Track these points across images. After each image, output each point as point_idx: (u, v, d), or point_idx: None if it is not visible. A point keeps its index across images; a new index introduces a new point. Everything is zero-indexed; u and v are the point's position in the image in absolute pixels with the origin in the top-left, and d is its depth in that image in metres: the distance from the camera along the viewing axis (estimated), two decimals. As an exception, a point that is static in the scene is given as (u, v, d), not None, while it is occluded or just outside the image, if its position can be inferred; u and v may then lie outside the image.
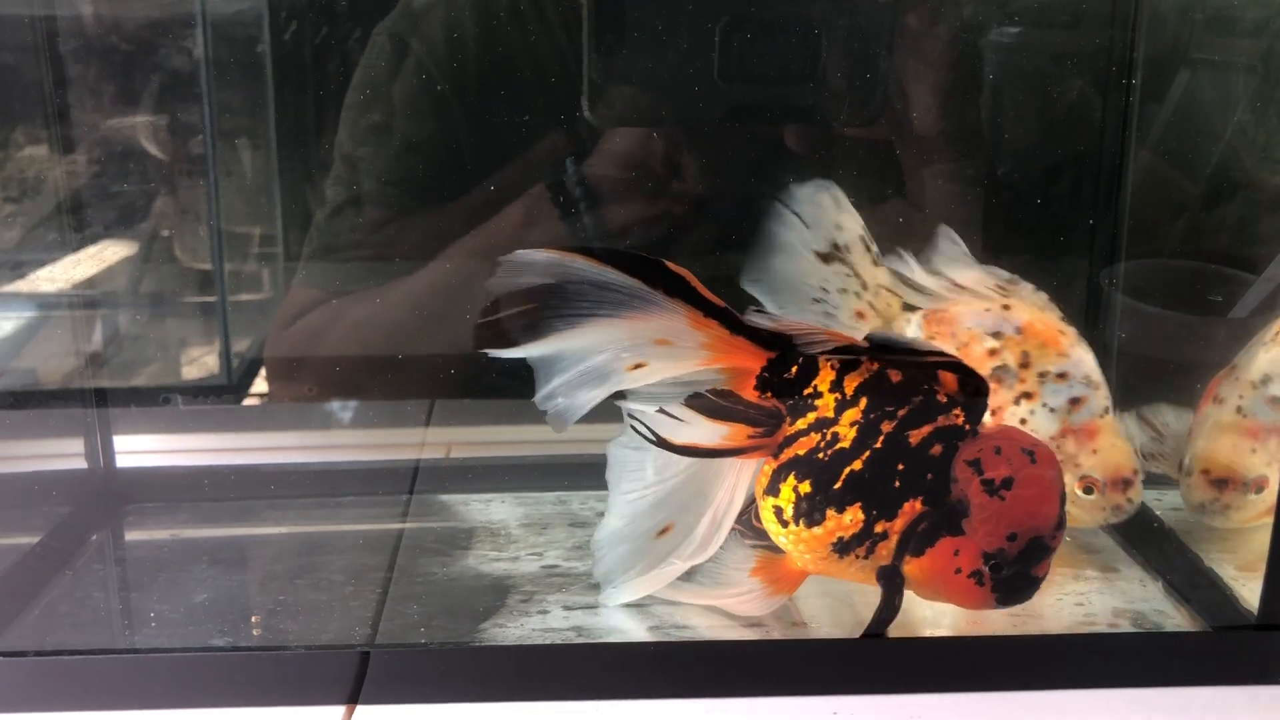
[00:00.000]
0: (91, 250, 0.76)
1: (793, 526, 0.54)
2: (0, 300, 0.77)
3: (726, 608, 0.58)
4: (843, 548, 0.53)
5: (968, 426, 0.52)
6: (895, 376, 0.52)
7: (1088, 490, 0.62)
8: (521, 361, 0.77)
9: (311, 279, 0.79)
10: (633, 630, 0.59)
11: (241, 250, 0.79)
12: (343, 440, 0.80)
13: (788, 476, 0.54)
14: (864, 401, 0.52)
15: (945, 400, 0.52)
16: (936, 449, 0.52)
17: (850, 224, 0.63)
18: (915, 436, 0.52)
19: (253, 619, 0.60)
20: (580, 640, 0.58)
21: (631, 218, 0.75)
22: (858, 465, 0.52)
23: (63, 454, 0.74)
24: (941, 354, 0.52)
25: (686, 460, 0.55)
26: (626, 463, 0.57)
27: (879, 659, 0.55)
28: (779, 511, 0.54)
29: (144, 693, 0.53)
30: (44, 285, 0.76)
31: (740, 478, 0.56)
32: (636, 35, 0.67)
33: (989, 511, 0.51)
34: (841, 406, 0.53)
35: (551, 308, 0.51)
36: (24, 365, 0.78)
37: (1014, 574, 0.52)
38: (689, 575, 0.58)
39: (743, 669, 0.55)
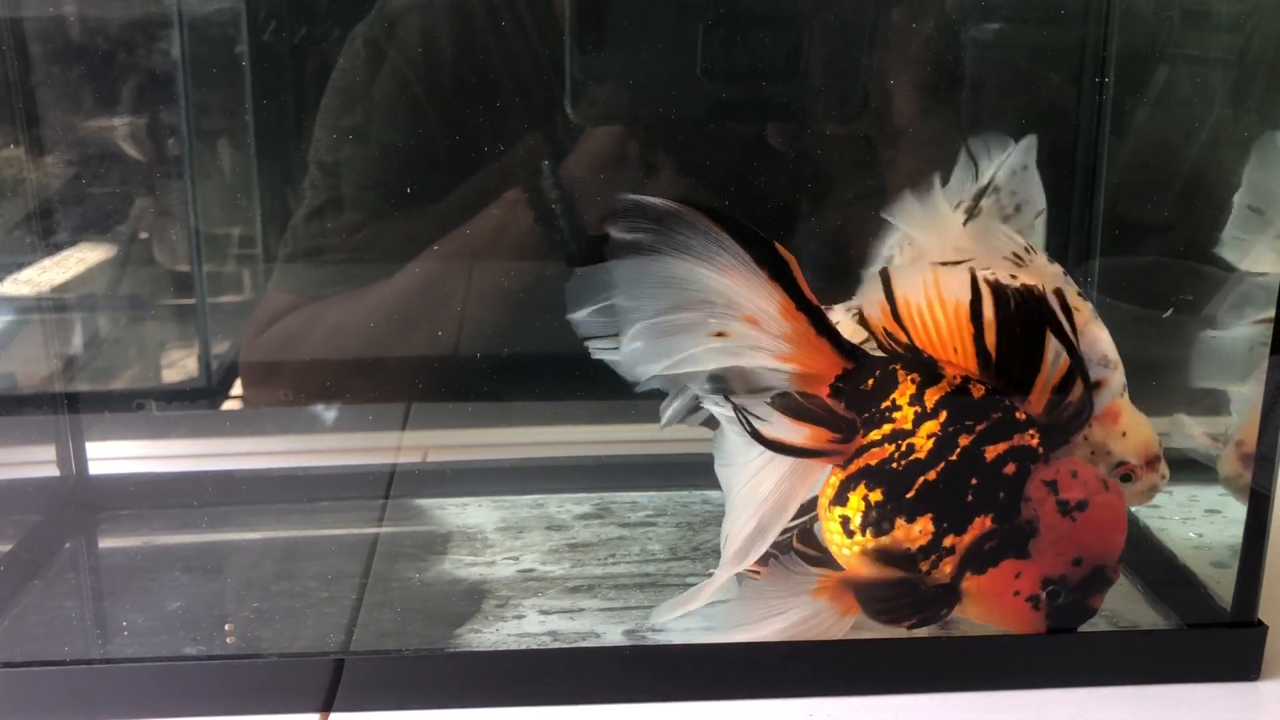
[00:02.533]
0: (68, 253, 0.75)
1: (859, 536, 0.53)
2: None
3: (801, 636, 0.55)
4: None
5: (1041, 450, 0.52)
6: (977, 391, 0.52)
7: (1126, 478, 0.58)
8: (502, 366, 0.77)
9: (287, 282, 0.79)
10: (609, 634, 0.58)
11: (221, 252, 0.79)
12: (318, 445, 0.80)
13: (858, 486, 0.53)
14: (944, 415, 0.52)
15: (1023, 419, 0.52)
16: (1010, 468, 0.51)
17: (1023, 196, 0.59)
18: (991, 452, 0.51)
19: (226, 627, 0.60)
20: (556, 645, 0.57)
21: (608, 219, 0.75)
22: (932, 475, 0.52)
23: (35, 461, 0.73)
24: (1072, 346, 0.51)
25: (749, 473, 0.53)
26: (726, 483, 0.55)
27: (854, 660, 0.55)
28: (845, 521, 0.53)
29: (117, 703, 0.53)
30: (21, 288, 0.75)
31: (794, 487, 0.54)
32: (619, 33, 0.66)
33: (1059, 532, 0.51)
34: (920, 419, 0.52)
35: (657, 244, 0.49)
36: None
37: (1070, 602, 0.52)
38: (752, 612, 0.55)
39: (718, 672, 0.55)
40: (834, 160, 0.74)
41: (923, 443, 0.52)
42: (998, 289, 0.50)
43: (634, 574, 0.65)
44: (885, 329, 0.52)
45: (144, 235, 0.78)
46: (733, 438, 0.53)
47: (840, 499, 0.53)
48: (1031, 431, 0.52)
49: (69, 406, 0.72)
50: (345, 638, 0.58)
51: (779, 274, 0.50)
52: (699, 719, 0.53)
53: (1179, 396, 0.70)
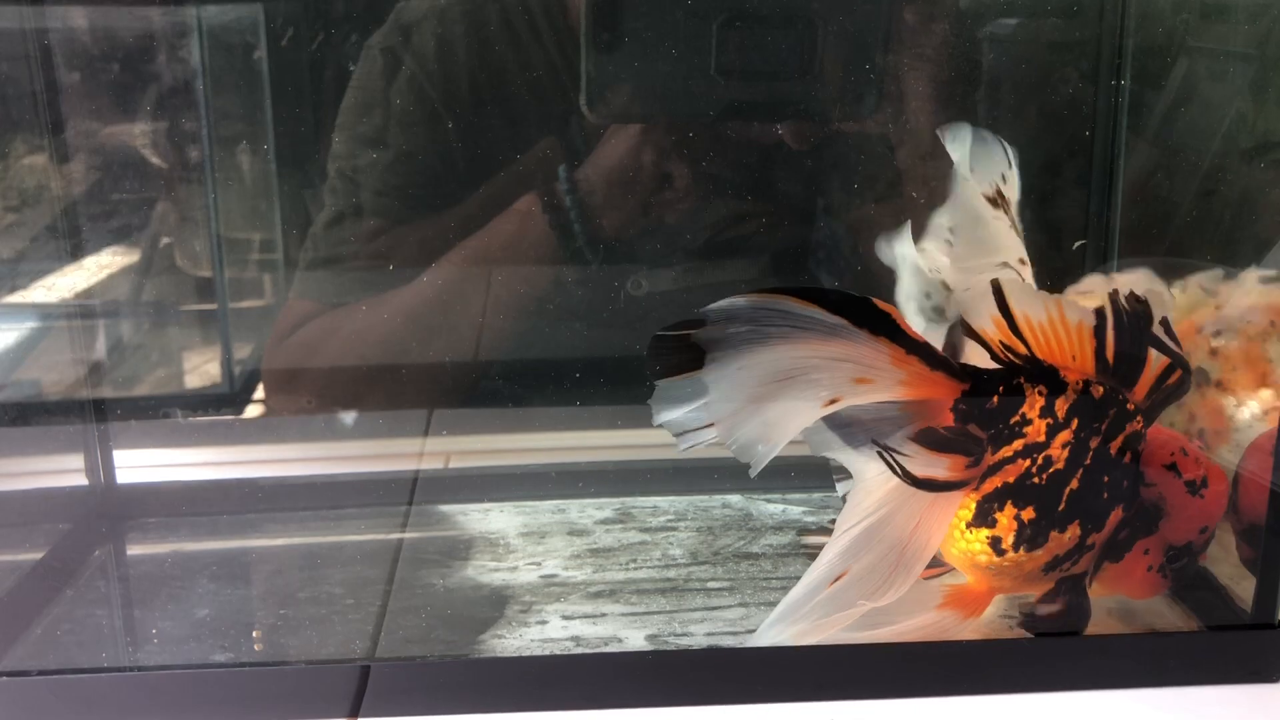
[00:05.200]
0: (91, 259, 0.76)
1: (1012, 554, 0.54)
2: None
3: (919, 638, 0.56)
4: (1053, 564, 0.54)
5: (1144, 429, 0.54)
6: (1097, 392, 0.53)
7: None
8: (523, 367, 0.78)
9: (308, 290, 0.79)
10: (631, 639, 0.59)
11: (242, 257, 0.80)
12: (341, 452, 0.81)
13: (1004, 505, 0.53)
14: (1075, 422, 0.53)
15: (1132, 408, 0.53)
16: (1128, 456, 0.54)
17: (1014, 183, 0.59)
18: (1114, 447, 0.54)
19: (254, 634, 0.61)
20: (578, 650, 0.58)
21: (624, 225, 0.75)
22: (1075, 485, 0.53)
23: (64, 470, 0.74)
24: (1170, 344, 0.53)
25: (870, 505, 0.53)
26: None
27: (873, 663, 0.56)
28: (996, 542, 0.54)
29: (147, 710, 0.54)
30: (44, 295, 0.76)
31: (932, 519, 0.53)
32: (634, 31, 0.67)
33: (1191, 510, 0.54)
34: (1054, 430, 0.53)
35: (752, 338, 0.49)
36: (25, 378, 0.78)
37: (1188, 562, 0.55)
38: (870, 619, 0.55)
39: (739, 676, 0.55)
40: (849, 159, 0.74)
41: (1059, 453, 0.53)
42: (1116, 307, 0.52)
43: (655, 579, 0.65)
44: (1002, 341, 0.52)
45: (166, 240, 0.78)
46: (869, 480, 0.53)
47: (985, 520, 0.54)
48: (1139, 417, 0.54)
49: (96, 415, 0.73)
50: (371, 644, 0.59)
51: (880, 329, 0.50)
52: (721, 723, 0.54)
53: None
